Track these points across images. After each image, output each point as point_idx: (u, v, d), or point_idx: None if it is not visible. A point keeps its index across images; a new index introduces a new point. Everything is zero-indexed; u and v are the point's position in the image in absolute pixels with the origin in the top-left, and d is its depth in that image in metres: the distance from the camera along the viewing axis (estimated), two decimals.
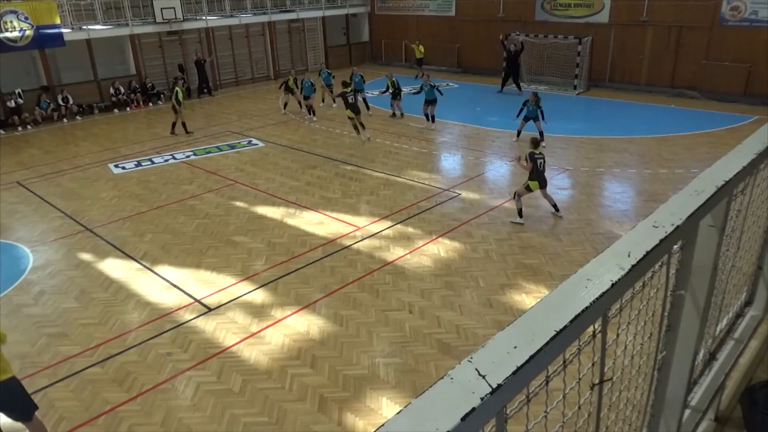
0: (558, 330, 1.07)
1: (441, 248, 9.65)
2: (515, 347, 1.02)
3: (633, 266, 1.28)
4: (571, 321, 1.10)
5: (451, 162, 14.72)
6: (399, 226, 10.59)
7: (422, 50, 25.14)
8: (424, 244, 9.79)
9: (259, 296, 8.40)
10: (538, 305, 1.14)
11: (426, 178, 13.12)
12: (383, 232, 10.34)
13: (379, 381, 6.54)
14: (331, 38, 29.08)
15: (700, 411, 2.29)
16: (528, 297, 8.10)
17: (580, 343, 1.23)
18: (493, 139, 16.10)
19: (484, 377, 0.95)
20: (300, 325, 7.65)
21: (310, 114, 18.85)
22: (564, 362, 1.19)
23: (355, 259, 9.38)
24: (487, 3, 24.48)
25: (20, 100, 19.20)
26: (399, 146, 15.61)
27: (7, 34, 18.39)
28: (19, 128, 19.13)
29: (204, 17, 23.65)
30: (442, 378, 0.95)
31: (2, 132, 18.86)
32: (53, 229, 11.14)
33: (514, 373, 0.97)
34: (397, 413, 0.88)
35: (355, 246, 9.85)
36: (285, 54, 27.49)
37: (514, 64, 21.42)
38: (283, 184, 12.99)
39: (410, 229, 10.43)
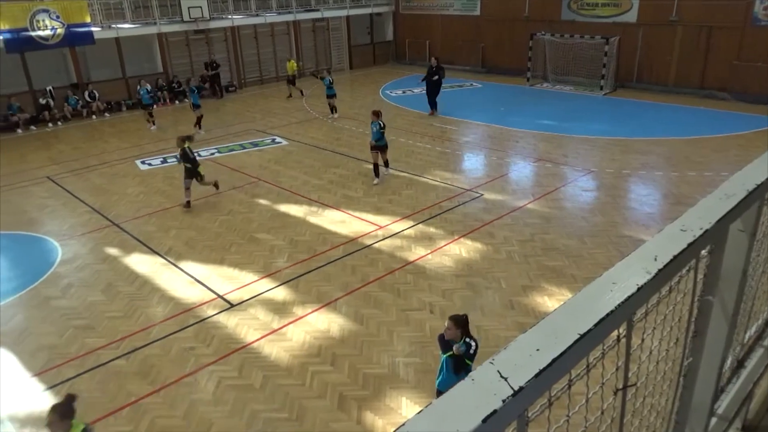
0: (582, 333, 1.05)
1: (463, 249, 9.61)
2: (538, 350, 1.01)
3: (660, 270, 1.26)
4: (596, 324, 1.08)
5: (474, 162, 14.64)
6: (421, 225, 10.57)
7: (294, 67, 22.64)
8: (445, 244, 9.76)
9: (281, 293, 8.47)
10: (562, 308, 1.13)
11: (449, 178, 13.07)
12: (405, 232, 10.34)
13: (398, 380, 6.54)
14: (356, 37, 29.16)
15: (727, 419, 2.24)
16: (550, 299, 8.02)
17: (604, 347, 1.22)
18: (516, 140, 15.97)
19: (506, 379, 0.94)
20: (321, 322, 7.69)
21: (332, 113, 18.88)
22: (587, 366, 1.18)
23: (376, 258, 9.39)
24: (512, 2, 24.28)
25: (51, 101, 19.67)
26: (422, 146, 15.57)
27: (40, 33, 18.83)
28: (50, 124, 19.58)
29: (230, 16, 23.91)
30: (464, 379, 0.94)
31: (33, 128, 19.32)
32: (81, 223, 11.37)
33: (536, 375, 0.96)
34: (418, 413, 0.88)
35: (377, 245, 9.86)
36: (309, 53, 27.65)
37: (432, 81, 18.44)
38: (305, 183, 13.06)
39: (432, 229, 10.40)
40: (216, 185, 12.29)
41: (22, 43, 18.66)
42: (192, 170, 11.45)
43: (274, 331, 7.56)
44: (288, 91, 22.41)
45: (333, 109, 18.85)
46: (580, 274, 8.62)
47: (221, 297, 8.43)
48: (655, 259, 1.29)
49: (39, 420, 6.12)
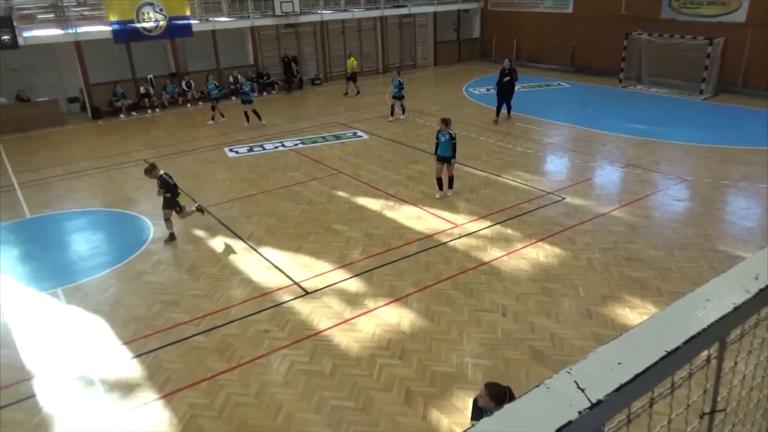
0: (669, 351, 1.00)
1: (540, 252, 9.35)
2: (619, 363, 0.97)
3: (761, 290, 1.17)
4: (685, 342, 1.02)
5: (557, 164, 14.20)
6: (498, 226, 10.39)
7: (354, 64, 22.39)
8: (522, 247, 9.54)
9: (354, 284, 8.60)
10: (649, 322, 1.07)
11: (529, 179, 12.75)
12: (481, 232, 10.20)
13: (466, 381, 6.48)
14: (441, 34, 29.01)
15: None
16: (632, 312, 7.64)
17: (692, 368, 1.15)
18: (604, 143, 15.33)
19: (583, 390, 0.91)
20: (391, 316, 7.75)
21: (401, 113, 18.19)
22: (672, 386, 1.12)
23: (450, 256, 9.33)
24: (608, 0, 23.24)
25: (151, 89, 21.01)
26: (503, 145, 15.28)
27: (144, 24, 20.12)
28: (149, 111, 20.89)
29: (319, 11, 24.46)
30: (538, 386, 0.92)
31: (134, 114, 20.68)
32: None
33: (616, 390, 0.92)
34: (489, 416, 0.87)
35: (452, 243, 9.79)
36: (395, 49, 27.81)
37: (504, 83, 16.98)
38: (384, 177, 13.17)
39: (509, 231, 10.20)
40: (200, 209, 10.71)
41: (128, 34, 20.02)
42: (171, 200, 10.06)
43: (346, 320, 7.69)
44: (345, 88, 22.37)
45: (402, 109, 18.18)
46: (666, 287, 8.16)
47: (297, 284, 8.68)
48: (756, 278, 1.20)
49: (126, 385, 6.58)
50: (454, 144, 11.27)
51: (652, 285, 8.26)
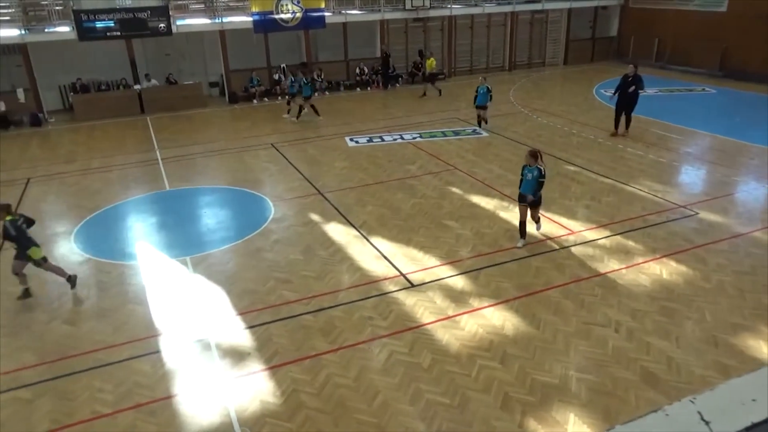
0: None
1: (664, 269, 8.68)
2: (753, 400, 0.86)
3: None
4: None
5: (692, 176, 13.06)
6: (618, 237, 9.79)
7: (433, 65, 21.52)
8: (644, 261, 8.91)
9: (460, 282, 8.52)
10: None
11: (659, 190, 11.85)
12: (599, 241, 9.67)
13: (569, 394, 6.19)
14: (575, 31, 27.74)
15: None
16: (766, 346, 6.88)
17: None
18: (751, 157, 13.87)
19: (707, 423, 0.82)
20: (495, 318, 7.58)
21: (479, 124, 16.80)
22: None
23: (563, 264, 8.94)
24: None
25: (282, 77, 22.15)
26: (633, 151, 14.34)
27: (282, 16, 21.26)
28: (279, 98, 22.05)
29: (449, 6, 24.36)
30: (656, 411, 0.84)
31: (266, 100, 21.93)
32: (293, 188, 12.66)
33: (747, 428, 0.82)
34: None
35: (566, 250, 9.38)
36: (523, 46, 27.06)
37: (628, 92, 14.99)
38: (500, 176, 12.89)
39: (631, 243, 9.56)
40: (70, 280, 8.54)
41: (267, 25, 21.28)
42: (20, 252, 8.17)
43: (449, 317, 7.65)
44: (435, 89, 21.53)
45: (482, 120, 16.64)
46: None
47: (403, 275, 8.76)
48: None
49: (238, 353, 7.04)
50: (542, 183, 9.21)
51: None
